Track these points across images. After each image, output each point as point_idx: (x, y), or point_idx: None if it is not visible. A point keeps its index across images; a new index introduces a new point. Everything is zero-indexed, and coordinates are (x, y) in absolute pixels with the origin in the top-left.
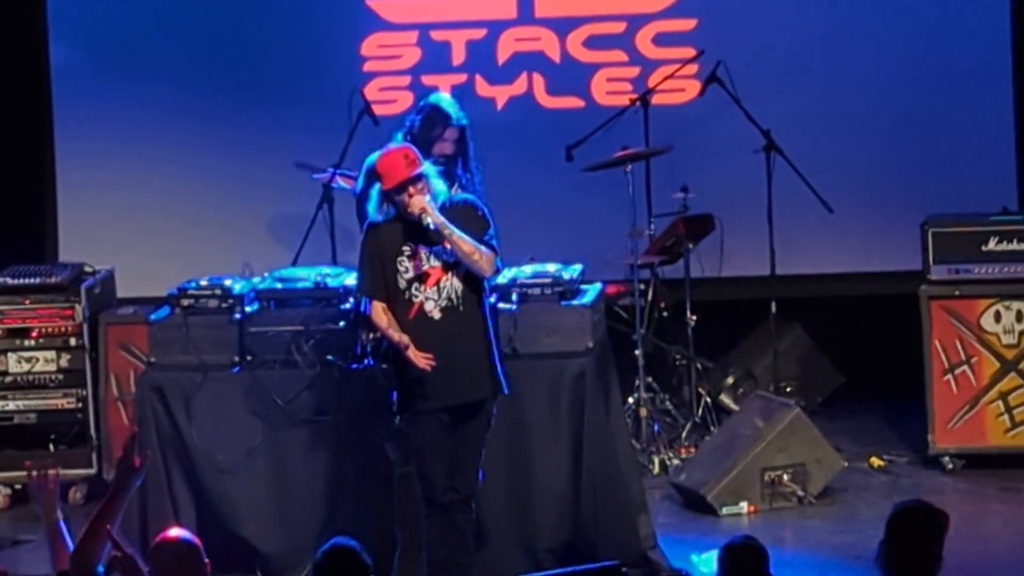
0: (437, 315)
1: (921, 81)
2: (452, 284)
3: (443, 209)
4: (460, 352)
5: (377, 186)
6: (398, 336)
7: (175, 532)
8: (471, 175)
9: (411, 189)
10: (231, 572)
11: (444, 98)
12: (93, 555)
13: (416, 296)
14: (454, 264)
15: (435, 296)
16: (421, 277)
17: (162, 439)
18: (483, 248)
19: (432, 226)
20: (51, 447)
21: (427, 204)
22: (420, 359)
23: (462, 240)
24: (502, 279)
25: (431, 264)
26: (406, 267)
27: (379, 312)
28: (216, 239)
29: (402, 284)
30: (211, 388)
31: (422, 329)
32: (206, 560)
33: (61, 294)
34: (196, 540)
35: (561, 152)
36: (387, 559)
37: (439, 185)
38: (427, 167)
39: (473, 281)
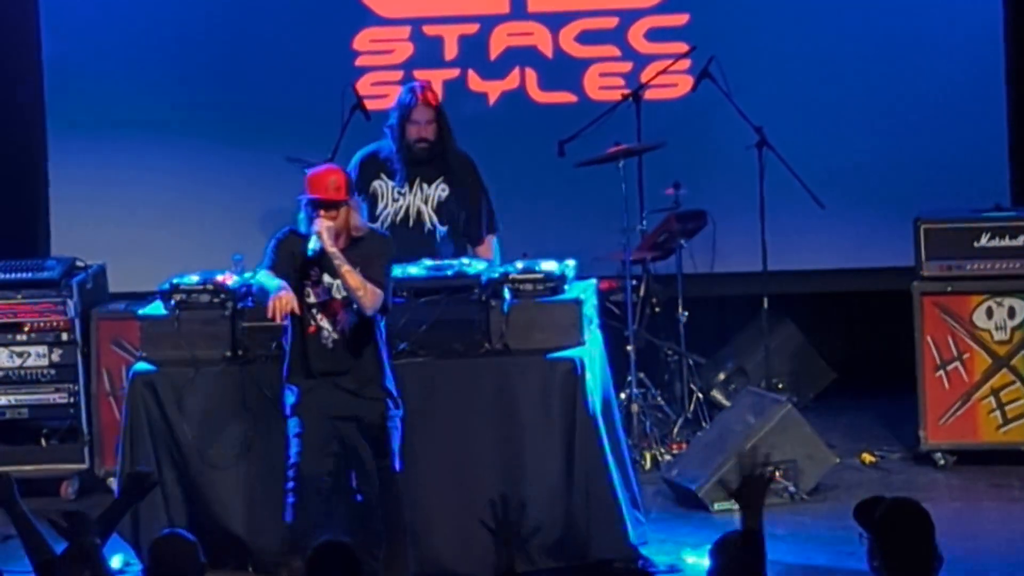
0: (330, 344)
1: (913, 77)
2: (348, 319)
3: (354, 241)
4: (347, 376)
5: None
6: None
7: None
8: (452, 159)
9: (323, 212)
10: (223, 567)
11: (415, 84)
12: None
13: (312, 321)
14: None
15: (330, 327)
16: (321, 306)
17: (153, 434)
18: (370, 285)
19: (319, 248)
20: (42, 442)
21: (326, 231)
22: (279, 309)
23: (350, 274)
24: (494, 274)
25: (332, 295)
26: (308, 292)
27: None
28: (208, 234)
29: (303, 307)
30: (203, 383)
31: (316, 349)
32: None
33: (53, 289)
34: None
35: (553, 147)
36: (378, 554)
37: (358, 223)
38: (355, 203)
39: (368, 324)
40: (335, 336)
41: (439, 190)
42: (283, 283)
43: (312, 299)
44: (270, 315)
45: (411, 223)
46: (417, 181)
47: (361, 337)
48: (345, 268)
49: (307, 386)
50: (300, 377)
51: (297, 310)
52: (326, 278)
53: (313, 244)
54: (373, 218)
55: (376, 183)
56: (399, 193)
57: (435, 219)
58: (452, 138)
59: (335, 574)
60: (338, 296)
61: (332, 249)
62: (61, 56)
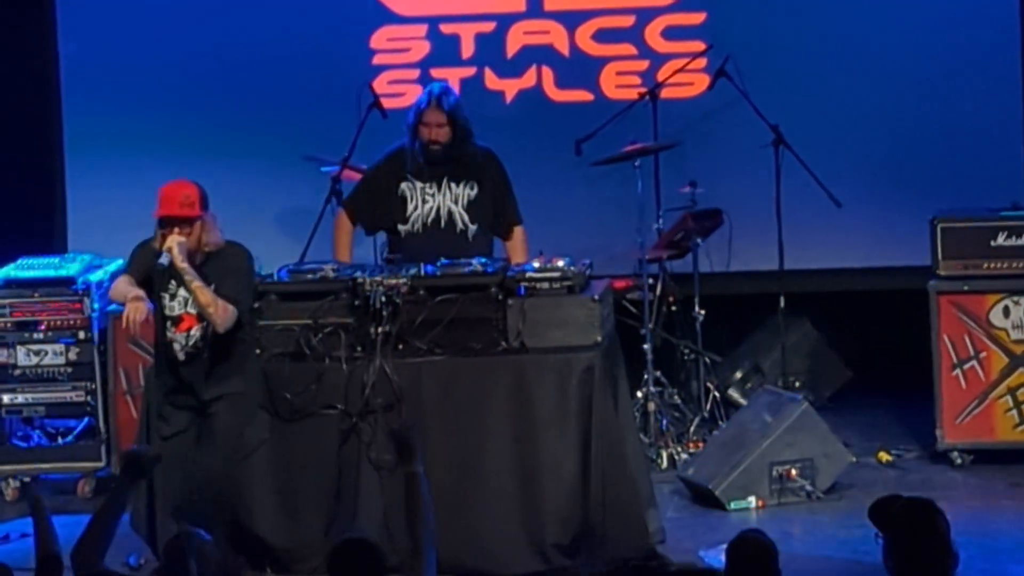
0: (181, 357)
1: (930, 75)
2: (200, 335)
3: (209, 256)
4: (199, 389)
5: None
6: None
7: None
8: (473, 157)
9: (177, 230)
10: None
11: (435, 85)
12: (97, 549)
13: (168, 332)
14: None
15: (183, 341)
16: (175, 319)
17: None
18: (222, 302)
19: (168, 263)
20: (59, 440)
21: (176, 246)
22: (132, 320)
23: (201, 290)
24: (511, 272)
25: (187, 310)
26: (165, 304)
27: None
28: (224, 233)
29: (160, 316)
30: None
31: (170, 360)
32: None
33: (70, 287)
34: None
35: (570, 146)
36: (395, 554)
37: (214, 238)
38: (209, 217)
39: (227, 333)
40: (188, 350)
41: (468, 189)
42: (139, 291)
43: (167, 311)
44: (124, 326)
45: (443, 224)
46: (445, 181)
47: (217, 350)
48: (196, 284)
49: (166, 395)
50: (160, 383)
51: (149, 318)
52: (182, 291)
53: (163, 258)
54: (403, 219)
55: (404, 184)
56: (428, 195)
57: (466, 218)
58: (471, 137)
59: (357, 572)
60: (192, 311)
61: (183, 265)
62: (78, 58)
